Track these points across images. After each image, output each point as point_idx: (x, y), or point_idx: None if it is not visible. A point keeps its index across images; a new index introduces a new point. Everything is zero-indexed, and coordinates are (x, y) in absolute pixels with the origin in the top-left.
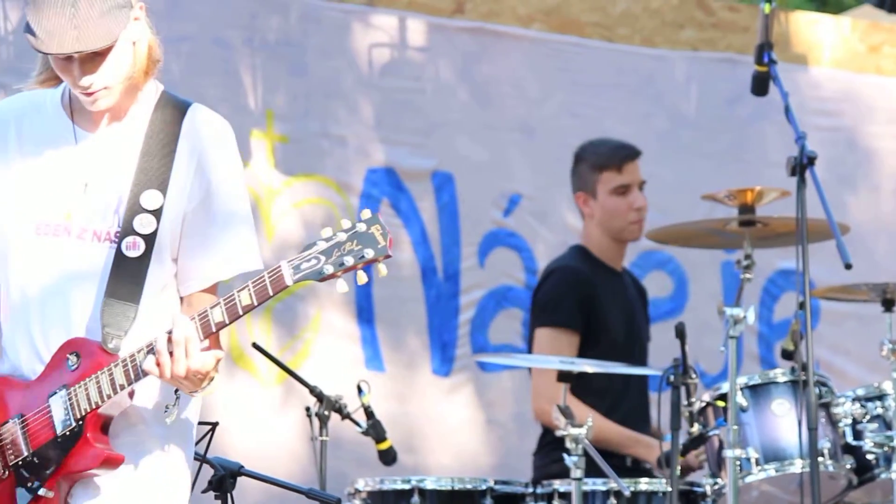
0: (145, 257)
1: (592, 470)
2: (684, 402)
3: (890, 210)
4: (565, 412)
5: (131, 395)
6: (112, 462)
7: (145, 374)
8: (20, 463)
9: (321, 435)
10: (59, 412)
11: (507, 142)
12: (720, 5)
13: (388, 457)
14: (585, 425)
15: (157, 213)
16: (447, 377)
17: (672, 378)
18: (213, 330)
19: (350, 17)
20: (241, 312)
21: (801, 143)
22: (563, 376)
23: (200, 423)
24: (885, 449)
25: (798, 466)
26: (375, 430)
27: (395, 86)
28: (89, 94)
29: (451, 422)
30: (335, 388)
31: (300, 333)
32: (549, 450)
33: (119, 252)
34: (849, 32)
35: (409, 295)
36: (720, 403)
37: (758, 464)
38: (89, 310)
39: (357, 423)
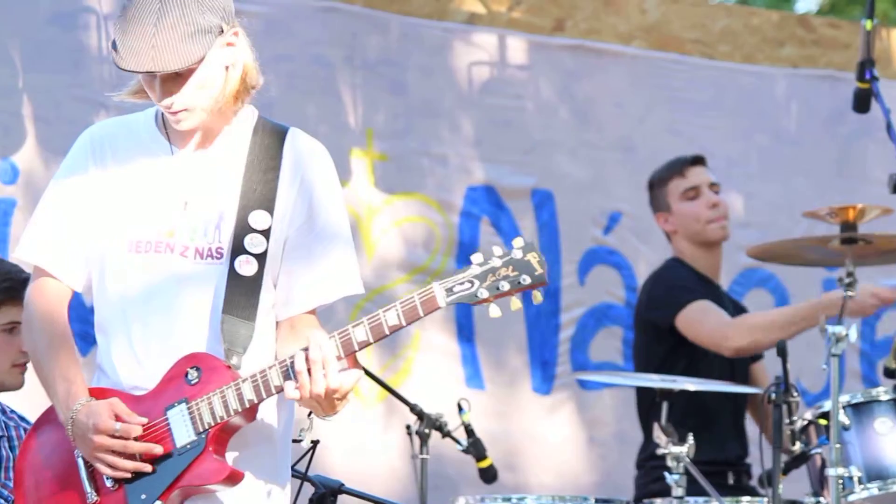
0: (258, 276)
1: (694, 488)
2: (786, 420)
3: None
4: (666, 430)
5: (254, 412)
6: (234, 478)
7: (277, 391)
8: (132, 475)
9: (422, 453)
10: (179, 425)
11: (608, 159)
12: (821, 22)
13: (488, 475)
14: (687, 443)
15: (266, 234)
16: (547, 395)
17: (774, 396)
18: (356, 349)
19: (450, 36)
20: (387, 332)
21: None
22: (664, 394)
23: (302, 441)
24: None
25: None
26: (476, 448)
27: (495, 104)
28: (172, 114)
29: (552, 440)
30: (436, 406)
31: (401, 352)
32: (651, 467)
33: (232, 270)
34: None
35: (508, 313)
36: (822, 422)
37: (860, 482)
38: (195, 325)
39: (458, 441)
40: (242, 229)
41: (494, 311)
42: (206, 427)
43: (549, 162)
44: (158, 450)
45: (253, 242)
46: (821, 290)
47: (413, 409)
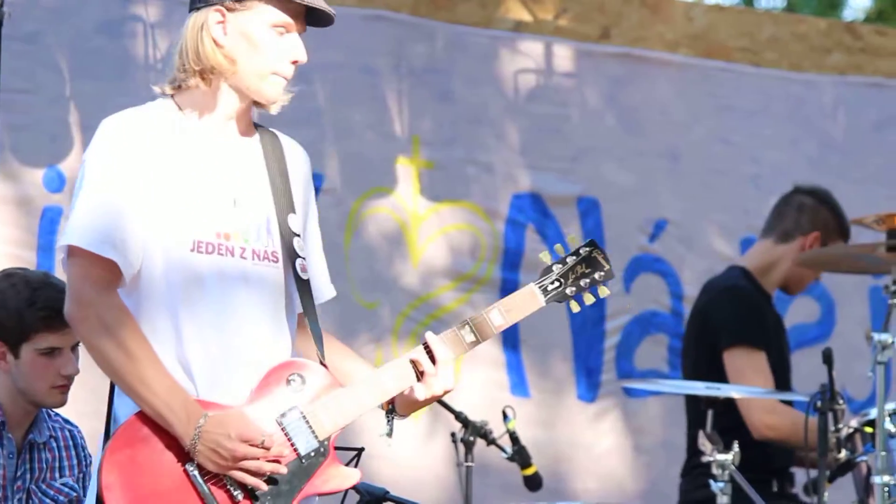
0: (310, 280)
1: (738, 496)
2: (832, 427)
3: None
4: (711, 438)
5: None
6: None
7: (393, 395)
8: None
9: (467, 460)
10: (298, 433)
11: (654, 167)
12: (868, 29)
13: (533, 482)
14: (732, 451)
15: (301, 236)
16: (593, 403)
17: (819, 404)
18: (466, 350)
19: (496, 44)
20: (493, 332)
21: None
22: (710, 402)
23: (347, 449)
24: None
25: None
26: (521, 455)
27: (541, 112)
28: (284, 77)
29: (597, 448)
30: (481, 413)
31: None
32: (696, 475)
33: (297, 274)
34: None
35: (554, 321)
36: (868, 429)
37: None
38: (257, 328)
39: (502, 449)
40: (288, 233)
41: (574, 306)
42: (329, 434)
43: (595, 170)
44: (290, 462)
45: (300, 246)
46: (867, 298)
47: (458, 416)
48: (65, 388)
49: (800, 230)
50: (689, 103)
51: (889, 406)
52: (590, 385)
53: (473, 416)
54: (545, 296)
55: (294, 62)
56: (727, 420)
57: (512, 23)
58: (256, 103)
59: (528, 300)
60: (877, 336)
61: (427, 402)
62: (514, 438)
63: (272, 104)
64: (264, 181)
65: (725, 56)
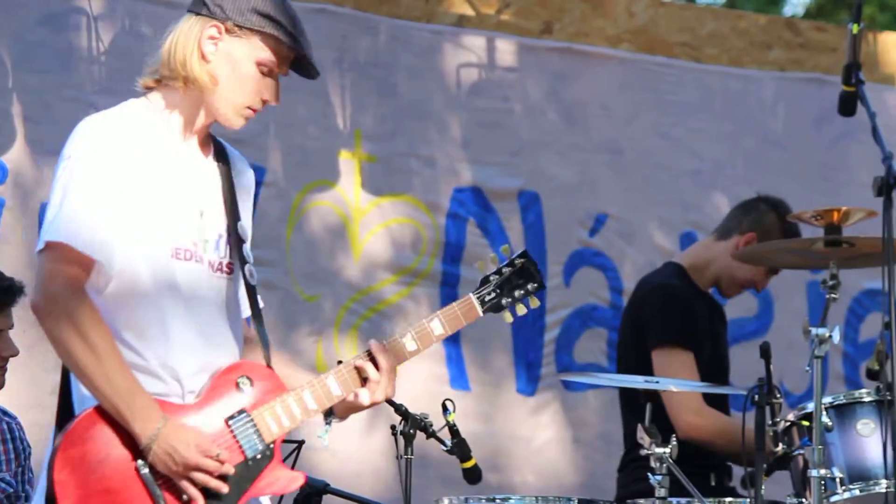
0: (256, 285)
1: (676, 489)
2: (769, 421)
3: None
4: (650, 431)
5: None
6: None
7: (339, 399)
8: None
9: (406, 453)
10: (246, 436)
11: (595, 162)
12: (808, 25)
13: (473, 475)
14: (670, 444)
15: (247, 243)
16: (532, 396)
17: (757, 398)
18: (407, 358)
19: (439, 38)
20: (434, 341)
21: (888, 163)
22: (648, 396)
23: (287, 442)
24: None
25: (883, 486)
26: (460, 448)
27: (483, 106)
28: (254, 111)
29: (536, 441)
30: (421, 406)
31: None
32: (634, 468)
33: (246, 280)
34: None
35: (494, 315)
36: (805, 423)
37: (843, 484)
38: (221, 335)
39: (442, 442)
40: (238, 239)
41: (508, 317)
42: (274, 437)
43: (536, 164)
44: (237, 464)
45: (248, 252)
46: (805, 292)
47: (398, 409)
48: (3, 370)
49: (738, 229)
50: (631, 98)
51: (826, 400)
52: (529, 378)
53: (413, 409)
54: (483, 306)
55: (264, 101)
56: (665, 414)
57: (454, 17)
58: None
59: (467, 310)
60: (814, 330)
61: (367, 407)
62: (453, 431)
63: (236, 127)
64: (219, 193)
65: (666, 51)
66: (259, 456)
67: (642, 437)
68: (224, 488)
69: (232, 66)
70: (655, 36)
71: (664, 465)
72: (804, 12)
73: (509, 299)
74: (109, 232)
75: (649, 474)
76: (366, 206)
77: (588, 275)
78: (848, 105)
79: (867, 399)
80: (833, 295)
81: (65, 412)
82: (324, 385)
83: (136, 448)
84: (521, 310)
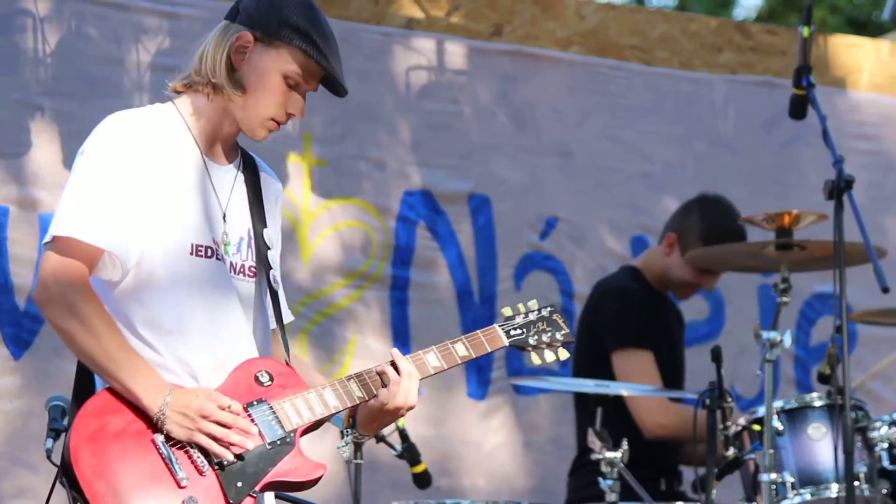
0: (279, 291)
1: (627, 493)
2: (720, 425)
3: None
4: (600, 435)
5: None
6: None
7: (360, 401)
8: (224, 463)
9: (356, 458)
10: (266, 422)
11: (545, 165)
12: (759, 28)
13: (422, 480)
14: (621, 449)
15: (272, 250)
16: (483, 400)
17: (708, 401)
18: (431, 373)
19: (389, 40)
20: (458, 361)
21: (838, 167)
22: (600, 400)
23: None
24: None
25: (834, 491)
26: (410, 453)
27: (433, 109)
28: (278, 125)
29: (487, 445)
30: None
31: (336, 356)
32: (585, 472)
33: (270, 285)
34: (887, 56)
35: (445, 318)
36: (756, 427)
37: (793, 488)
38: (240, 335)
39: (392, 446)
40: (263, 245)
41: (535, 359)
42: (294, 427)
43: (487, 167)
44: (255, 437)
45: (273, 259)
46: (756, 296)
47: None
48: None
49: (666, 230)
50: (581, 101)
51: (777, 404)
52: (480, 382)
53: None
54: (508, 338)
55: (290, 114)
56: (616, 419)
57: (404, 20)
58: None
59: (491, 338)
60: (765, 334)
61: (387, 416)
62: (403, 436)
63: (259, 138)
64: (243, 199)
65: (617, 54)
66: (279, 442)
67: (593, 441)
68: (248, 444)
69: (259, 77)
70: (606, 39)
71: (615, 470)
72: (755, 15)
73: (535, 340)
74: (125, 225)
75: (600, 478)
76: (315, 209)
77: (539, 278)
78: (799, 108)
79: (818, 403)
80: (784, 298)
81: (84, 394)
82: (345, 385)
83: (149, 422)
84: (550, 357)
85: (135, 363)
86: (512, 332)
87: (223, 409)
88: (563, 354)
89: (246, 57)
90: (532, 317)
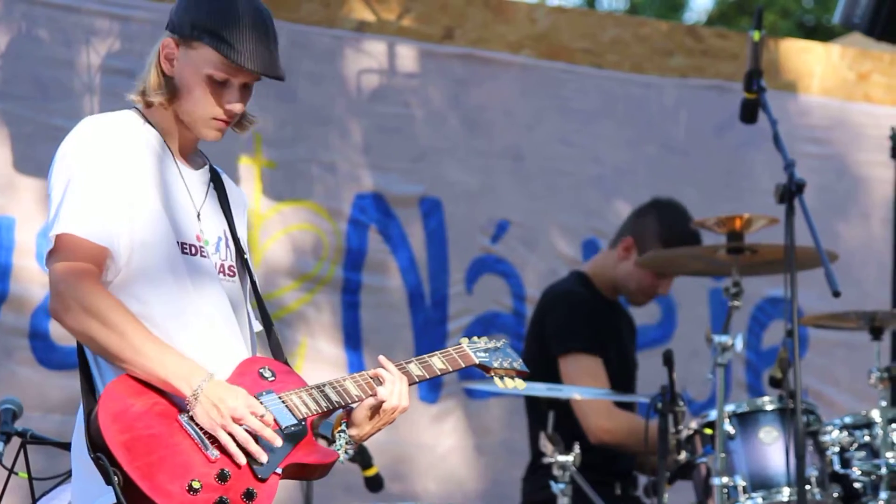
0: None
1: (579, 497)
2: (672, 429)
3: (879, 238)
4: (552, 439)
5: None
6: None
7: (358, 399)
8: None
9: None
10: (278, 409)
11: (497, 168)
12: (709, 32)
13: (374, 483)
14: (573, 452)
15: (248, 255)
16: (434, 404)
17: (659, 405)
18: (416, 381)
19: (340, 43)
20: (437, 373)
21: (789, 171)
22: (551, 404)
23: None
24: (873, 477)
25: (786, 494)
26: (362, 456)
27: (384, 112)
28: (225, 122)
29: (439, 448)
30: None
31: (288, 360)
32: (538, 476)
33: (255, 286)
34: (838, 60)
35: (396, 321)
36: (708, 431)
37: (745, 492)
38: (232, 332)
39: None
40: (240, 247)
41: (499, 384)
42: (305, 416)
43: (438, 170)
44: (270, 426)
45: (249, 260)
46: (707, 299)
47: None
48: None
49: (621, 234)
50: (532, 104)
51: (728, 408)
52: (431, 386)
53: None
54: (478, 358)
55: (230, 110)
56: (569, 423)
57: (355, 23)
58: None
59: (463, 355)
60: (717, 338)
61: (383, 416)
62: None
63: (212, 139)
64: (214, 201)
65: (568, 57)
66: (294, 428)
67: (545, 444)
68: (263, 457)
69: (186, 81)
70: (557, 42)
71: (567, 473)
72: (706, 19)
73: (498, 364)
74: (117, 222)
75: (552, 482)
76: (266, 212)
77: (490, 282)
78: (750, 112)
79: (770, 407)
80: (735, 302)
81: (90, 394)
82: (342, 384)
83: (173, 404)
84: (510, 384)
85: (163, 351)
86: (479, 354)
87: (255, 416)
88: (521, 385)
89: (174, 64)
90: (490, 345)
